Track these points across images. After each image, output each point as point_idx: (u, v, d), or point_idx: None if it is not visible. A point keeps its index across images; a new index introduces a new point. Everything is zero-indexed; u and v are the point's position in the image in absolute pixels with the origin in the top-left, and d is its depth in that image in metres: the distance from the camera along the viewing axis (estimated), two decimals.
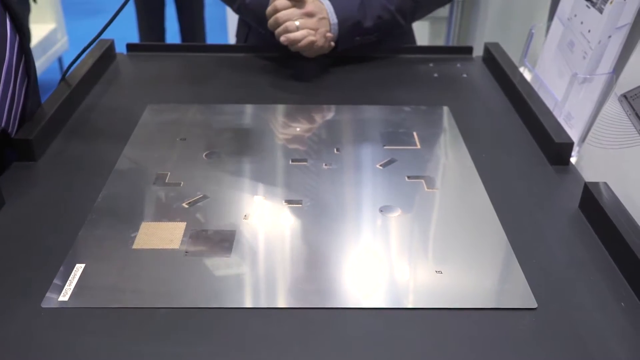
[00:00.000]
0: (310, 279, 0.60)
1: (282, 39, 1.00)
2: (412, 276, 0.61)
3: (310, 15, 1.01)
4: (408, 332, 0.54)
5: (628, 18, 0.81)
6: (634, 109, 0.71)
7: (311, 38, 1.00)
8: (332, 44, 1.05)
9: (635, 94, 0.71)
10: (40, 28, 2.87)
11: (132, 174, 0.76)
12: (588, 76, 0.86)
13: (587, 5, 0.88)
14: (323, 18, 1.03)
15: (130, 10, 2.74)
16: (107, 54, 1.07)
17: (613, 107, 0.75)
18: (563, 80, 0.93)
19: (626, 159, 0.71)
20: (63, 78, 0.94)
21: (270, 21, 1.02)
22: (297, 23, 1.00)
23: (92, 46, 0.99)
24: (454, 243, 0.65)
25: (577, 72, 0.87)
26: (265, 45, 1.13)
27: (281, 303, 0.57)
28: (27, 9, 2.27)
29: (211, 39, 3.14)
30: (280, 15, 1.00)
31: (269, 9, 1.02)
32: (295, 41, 0.99)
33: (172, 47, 1.15)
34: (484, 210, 0.70)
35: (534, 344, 0.53)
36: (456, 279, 0.60)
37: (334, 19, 1.04)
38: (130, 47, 1.14)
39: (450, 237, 0.66)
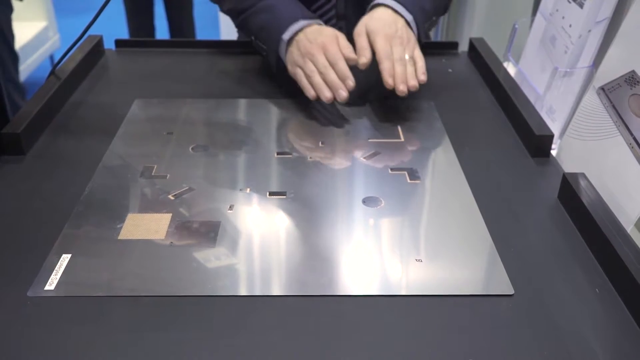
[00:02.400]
0: (292, 268, 0.61)
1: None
2: (393, 265, 0.62)
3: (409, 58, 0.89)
4: (388, 318, 0.55)
5: (607, 12, 0.82)
6: (611, 101, 0.72)
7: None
8: None
9: (612, 87, 0.72)
10: (32, 26, 2.87)
11: (119, 167, 0.77)
12: (568, 70, 0.87)
13: (568, 0, 0.90)
14: (410, 37, 0.92)
15: (120, 9, 2.75)
16: (96, 50, 1.08)
17: (591, 100, 0.76)
18: (545, 75, 0.94)
19: (604, 150, 0.73)
20: (52, 73, 0.94)
21: (387, 65, 0.87)
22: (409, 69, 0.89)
23: (80, 42, 0.99)
24: (435, 232, 0.67)
25: (558, 66, 0.89)
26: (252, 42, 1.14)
27: (264, 291, 0.58)
28: (9, 10, 2.28)
29: (202, 37, 3.15)
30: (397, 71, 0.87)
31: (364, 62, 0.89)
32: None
33: (160, 43, 1.16)
34: (465, 200, 0.72)
35: (510, 329, 0.54)
36: (436, 267, 0.62)
37: (408, 16, 0.94)
38: (119, 42, 1.14)
39: (431, 227, 0.67)
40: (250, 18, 1.00)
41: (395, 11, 0.94)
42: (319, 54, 0.89)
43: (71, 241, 0.64)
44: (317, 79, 0.88)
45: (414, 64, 0.89)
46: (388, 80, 0.86)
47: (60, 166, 0.78)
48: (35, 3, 2.89)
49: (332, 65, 0.88)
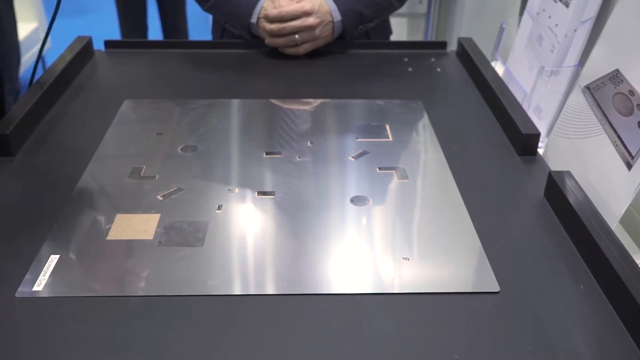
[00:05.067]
0: (281, 267, 0.61)
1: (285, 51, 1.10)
2: (381, 263, 0.62)
3: (311, 28, 1.06)
4: (376, 316, 0.56)
5: (592, 12, 0.83)
6: (596, 100, 0.73)
7: (311, 47, 1.10)
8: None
9: (597, 85, 0.73)
10: (22, 27, 2.85)
11: (108, 168, 0.78)
12: (555, 69, 0.88)
13: (554, 0, 0.91)
14: (326, 24, 1.08)
15: (112, 9, 2.74)
16: (85, 51, 1.08)
17: (577, 99, 0.77)
18: (533, 74, 0.95)
19: (589, 148, 0.73)
20: (33, 78, 0.94)
21: (273, 27, 1.07)
22: (297, 37, 1.07)
23: (45, 41, 0.96)
24: (422, 231, 0.67)
25: (544, 65, 0.89)
26: (242, 42, 1.15)
27: (252, 290, 0.58)
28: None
29: (195, 36, 3.15)
30: (286, 26, 1.07)
31: (275, 13, 1.06)
32: (297, 54, 1.10)
33: (150, 44, 1.16)
34: (453, 199, 0.72)
35: (496, 326, 0.55)
36: (423, 265, 0.62)
37: (337, 16, 1.09)
38: (108, 43, 1.14)
39: (418, 226, 0.68)
40: (214, 10, 1.16)
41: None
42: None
43: (60, 242, 0.64)
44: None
45: (295, 45, 1.09)
46: (270, 40, 1.09)
47: (48, 167, 0.78)
48: (26, 4, 2.87)
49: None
